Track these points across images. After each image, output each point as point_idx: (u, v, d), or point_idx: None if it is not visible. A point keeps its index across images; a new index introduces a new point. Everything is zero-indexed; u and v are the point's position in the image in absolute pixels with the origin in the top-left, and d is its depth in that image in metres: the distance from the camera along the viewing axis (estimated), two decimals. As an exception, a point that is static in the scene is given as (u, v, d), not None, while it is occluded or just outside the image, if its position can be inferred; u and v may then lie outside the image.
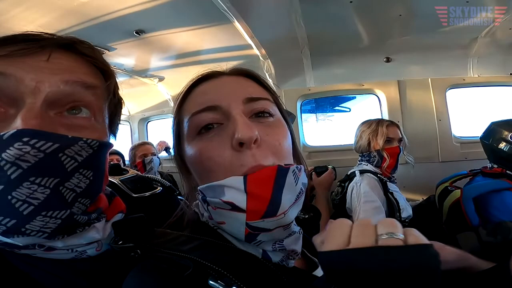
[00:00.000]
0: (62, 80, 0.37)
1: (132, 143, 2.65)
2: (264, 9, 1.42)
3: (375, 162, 1.42)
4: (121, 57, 1.56)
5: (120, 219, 0.48)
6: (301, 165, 0.44)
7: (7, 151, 0.31)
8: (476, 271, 0.81)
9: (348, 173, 1.45)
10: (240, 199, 0.37)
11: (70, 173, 0.36)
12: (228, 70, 0.51)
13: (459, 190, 1.32)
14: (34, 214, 0.34)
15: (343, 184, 1.46)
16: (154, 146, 2.33)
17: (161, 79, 2.12)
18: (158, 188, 0.69)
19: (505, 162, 1.30)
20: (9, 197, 0.32)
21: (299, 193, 0.40)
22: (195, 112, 0.44)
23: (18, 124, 0.33)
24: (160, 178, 0.76)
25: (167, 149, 2.68)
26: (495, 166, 1.34)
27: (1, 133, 0.32)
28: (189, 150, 0.45)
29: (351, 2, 1.40)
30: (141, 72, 1.97)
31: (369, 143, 1.44)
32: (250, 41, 1.62)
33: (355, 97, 2.32)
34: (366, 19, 1.58)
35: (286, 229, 0.42)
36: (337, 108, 2.48)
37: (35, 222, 0.34)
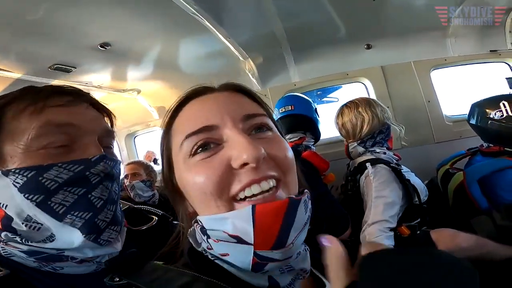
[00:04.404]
0: (100, 121, 0.56)
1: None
2: (237, 8, 1.38)
3: (385, 136, 1.33)
4: (92, 73, 1.48)
5: (115, 256, 0.55)
6: (307, 191, 0.43)
7: (97, 167, 0.50)
8: (494, 258, 0.77)
9: (356, 165, 1.33)
10: (247, 232, 0.36)
11: (115, 180, 0.55)
12: (219, 86, 0.48)
13: (461, 172, 1.28)
14: (103, 207, 0.50)
15: (353, 178, 1.35)
16: (144, 164, 2.01)
17: (139, 91, 2.05)
18: (154, 218, 0.73)
19: (498, 139, 1.28)
20: (89, 195, 0.49)
21: (307, 219, 0.40)
22: (190, 134, 0.41)
23: (93, 151, 0.51)
24: (151, 209, 0.79)
25: (155, 160, 2.59)
26: (491, 145, 1.31)
27: (89, 157, 0.50)
28: (184, 172, 0.42)
29: (324, -9, 1.37)
30: (118, 87, 1.89)
31: (383, 119, 1.33)
32: (227, 43, 1.57)
33: (341, 87, 2.31)
34: (341, 8, 1.56)
35: (294, 260, 0.41)
36: (325, 99, 2.46)
37: (102, 213, 0.50)
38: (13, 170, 0.46)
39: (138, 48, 1.45)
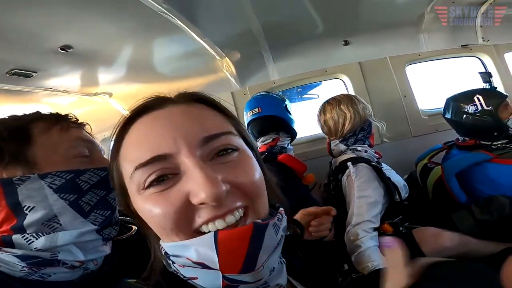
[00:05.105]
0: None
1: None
2: (210, 6, 1.31)
3: (366, 133, 1.32)
4: (56, 77, 1.36)
5: (89, 272, 0.58)
6: (282, 209, 0.40)
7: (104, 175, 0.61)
8: (477, 255, 0.79)
9: (338, 164, 1.33)
10: (212, 259, 0.34)
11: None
12: (175, 96, 0.41)
13: (440, 167, 1.31)
14: (116, 207, 0.62)
15: (335, 177, 1.35)
16: None
17: (110, 94, 1.94)
18: (133, 228, 0.76)
19: (473, 133, 1.31)
20: (107, 197, 0.60)
21: (280, 240, 0.38)
22: (139, 165, 0.35)
23: (106, 162, 0.61)
24: (129, 219, 0.79)
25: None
26: (467, 138, 1.34)
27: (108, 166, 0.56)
28: (139, 204, 0.37)
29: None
30: (88, 91, 1.77)
31: (364, 116, 1.33)
32: (202, 42, 1.50)
33: (320, 83, 2.30)
34: (317, 2, 1.54)
35: (268, 277, 0.38)
36: (305, 96, 2.45)
37: (116, 213, 0.62)
38: (52, 173, 0.53)
39: (105, 50, 1.34)
